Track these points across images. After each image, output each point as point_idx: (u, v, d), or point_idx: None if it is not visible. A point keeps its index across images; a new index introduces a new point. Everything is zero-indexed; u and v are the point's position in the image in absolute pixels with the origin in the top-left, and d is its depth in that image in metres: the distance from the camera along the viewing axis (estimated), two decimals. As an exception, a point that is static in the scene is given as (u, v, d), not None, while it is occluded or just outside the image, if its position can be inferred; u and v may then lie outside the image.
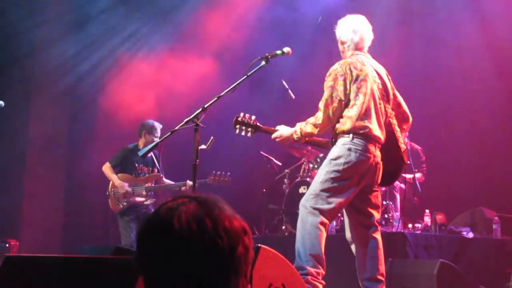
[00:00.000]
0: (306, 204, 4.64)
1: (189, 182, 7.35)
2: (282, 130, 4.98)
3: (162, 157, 7.93)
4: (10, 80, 8.99)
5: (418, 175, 7.95)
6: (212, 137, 4.90)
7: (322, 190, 4.61)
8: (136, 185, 7.73)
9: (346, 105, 4.67)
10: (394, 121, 4.90)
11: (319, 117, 4.71)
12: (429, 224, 7.63)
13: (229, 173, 7.58)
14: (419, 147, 8.32)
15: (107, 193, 7.79)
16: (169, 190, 7.83)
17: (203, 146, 4.76)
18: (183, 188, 7.47)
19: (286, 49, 4.87)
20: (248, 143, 7.69)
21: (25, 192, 9.27)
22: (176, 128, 4.83)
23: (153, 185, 7.81)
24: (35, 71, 9.26)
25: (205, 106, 4.62)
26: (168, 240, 1.39)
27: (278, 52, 4.84)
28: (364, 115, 4.66)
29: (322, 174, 4.67)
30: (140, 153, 5.12)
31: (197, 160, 4.60)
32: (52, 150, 9.42)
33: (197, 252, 1.37)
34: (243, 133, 5.15)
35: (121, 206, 7.68)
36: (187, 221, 1.39)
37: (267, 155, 8.58)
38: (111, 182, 7.77)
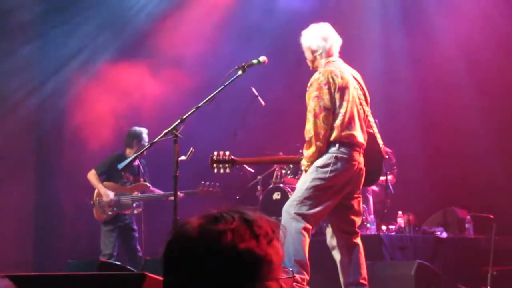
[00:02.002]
0: (289, 210, 4.67)
1: (179, 194, 7.22)
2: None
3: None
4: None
5: (389, 177, 8.04)
6: (192, 148, 4.90)
7: (307, 197, 4.64)
8: (122, 194, 7.52)
9: (333, 113, 4.71)
10: (371, 119, 4.97)
11: (308, 130, 4.72)
12: (402, 225, 7.74)
13: (218, 184, 7.47)
14: (389, 150, 8.40)
15: (92, 202, 7.56)
16: (157, 200, 7.72)
17: (183, 157, 4.77)
18: (170, 198, 7.30)
19: (262, 58, 4.93)
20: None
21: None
22: (156, 140, 4.84)
23: (139, 194, 7.63)
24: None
25: (184, 117, 4.67)
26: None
27: (255, 61, 4.91)
28: (348, 123, 4.71)
29: (307, 181, 4.69)
30: (120, 167, 5.06)
31: (177, 171, 4.64)
32: (21, 163, 9.24)
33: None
34: (221, 171, 5.20)
35: (106, 215, 7.49)
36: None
37: (239, 162, 8.57)
38: (96, 191, 7.53)
